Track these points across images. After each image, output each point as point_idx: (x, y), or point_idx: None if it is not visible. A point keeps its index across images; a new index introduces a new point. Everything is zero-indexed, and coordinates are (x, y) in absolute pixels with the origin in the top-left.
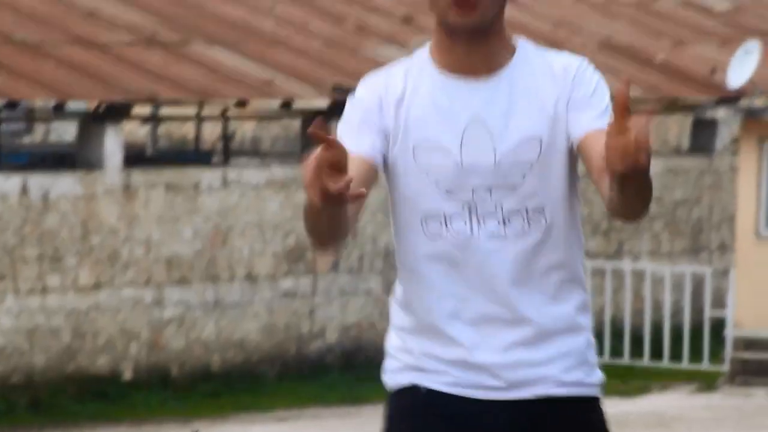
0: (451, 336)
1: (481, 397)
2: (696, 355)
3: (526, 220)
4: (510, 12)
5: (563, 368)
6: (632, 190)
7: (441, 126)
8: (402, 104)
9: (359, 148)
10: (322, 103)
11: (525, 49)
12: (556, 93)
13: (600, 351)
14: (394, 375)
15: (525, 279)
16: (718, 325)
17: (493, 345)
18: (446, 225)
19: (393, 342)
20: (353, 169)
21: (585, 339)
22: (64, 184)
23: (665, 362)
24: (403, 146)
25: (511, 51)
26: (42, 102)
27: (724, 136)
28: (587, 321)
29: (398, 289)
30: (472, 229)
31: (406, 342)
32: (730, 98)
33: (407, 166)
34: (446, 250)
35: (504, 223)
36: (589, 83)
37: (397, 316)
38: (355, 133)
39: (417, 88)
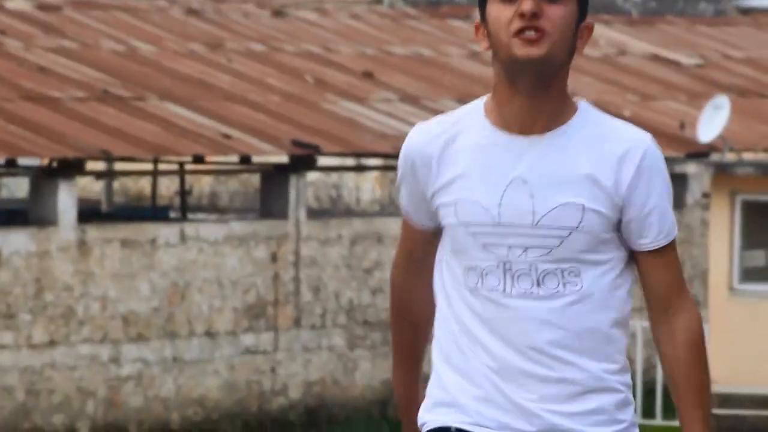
0: (485, 384)
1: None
2: (669, 412)
3: (561, 282)
4: (474, 66)
5: (592, 423)
6: None
7: (483, 183)
8: (446, 163)
9: (413, 219)
10: (281, 158)
11: (586, 112)
12: (614, 175)
13: None
14: (424, 414)
15: (558, 339)
16: None
17: (526, 396)
18: (482, 280)
19: (430, 381)
20: (419, 240)
21: (617, 398)
22: (16, 241)
23: (639, 419)
24: (447, 200)
25: (572, 111)
26: None
27: (694, 190)
28: (622, 381)
29: (438, 331)
30: (505, 286)
31: (442, 378)
32: (700, 153)
33: (450, 219)
34: (481, 304)
35: (538, 283)
36: (651, 188)
37: (434, 357)
38: (407, 203)
39: (465, 141)
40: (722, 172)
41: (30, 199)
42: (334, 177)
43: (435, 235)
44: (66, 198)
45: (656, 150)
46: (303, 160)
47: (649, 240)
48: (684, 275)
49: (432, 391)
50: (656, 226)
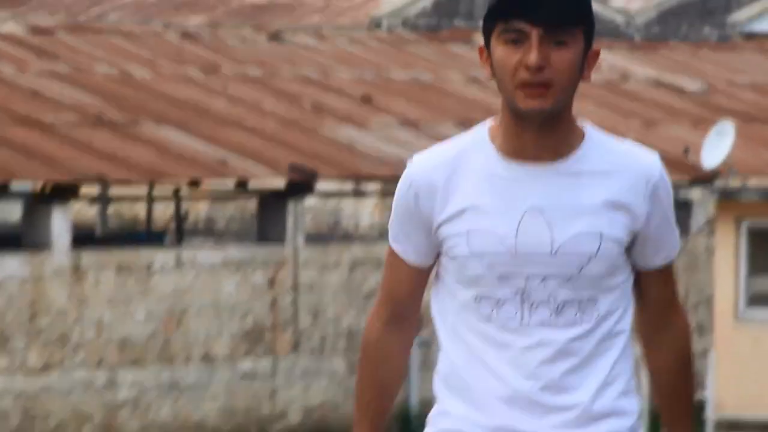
0: (496, 413)
1: None
2: None
3: (579, 311)
4: (475, 91)
5: None
6: None
7: (498, 213)
8: (453, 193)
9: (407, 255)
10: (278, 182)
11: (595, 135)
12: (630, 199)
13: None
14: None
15: (573, 367)
16: (699, 408)
17: (537, 423)
18: (498, 309)
19: (433, 412)
20: (405, 281)
21: (628, 422)
22: (10, 266)
23: None
24: (458, 230)
25: (580, 137)
26: None
27: (699, 217)
28: (633, 405)
29: (442, 362)
30: (522, 316)
31: (447, 408)
32: (704, 179)
33: (461, 250)
34: (497, 333)
35: (556, 312)
36: (663, 209)
37: (438, 388)
38: (401, 237)
39: (472, 170)
40: (727, 198)
41: (23, 223)
42: (332, 202)
43: (425, 275)
44: (60, 223)
45: (663, 168)
46: (301, 185)
47: (660, 258)
48: (682, 294)
49: (436, 420)
50: (668, 244)
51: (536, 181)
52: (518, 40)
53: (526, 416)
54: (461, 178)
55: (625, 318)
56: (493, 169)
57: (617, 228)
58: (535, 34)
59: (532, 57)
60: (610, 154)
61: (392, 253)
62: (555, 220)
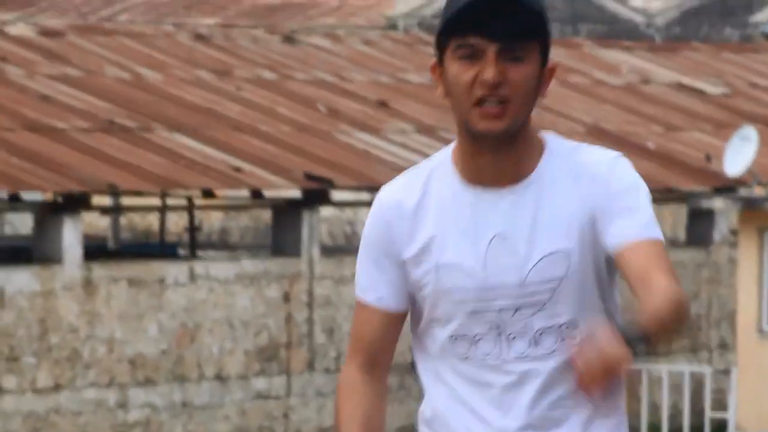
0: None
1: None
2: None
3: (558, 338)
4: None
5: None
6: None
7: (463, 245)
8: (421, 222)
9: (380, 302)
10: (293, 192)
11: (554, 149)
12: (587, 202)
13: None
14: None
15: (558, 399)
16: (720, 428)
17: None
18: (474, 347)
19: None
20: (379, 330)
21: None
22: (20, 280)
23: None
24: (426, 267)
25: (539, 152)
26: None
27: (721, 227)
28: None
29: (425, 405)
30: (500, 351)
31: None
32: (727, 187)
33: (431, 286)
34: (476, 372)
35: (534, 343)
36: (623, 188)
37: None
38: (372, 283)
39: (437, 199)
40: (750, 207)
41: (34, 235)
42: (348, 212)
43: (398, 320)
44: (71, 234)
45: (624, 161)
46: (316, 195)
47: (631, 222)
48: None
49: None
50: (633, 221)
51: (498, 207)
52: (473, 56)
53: None
54: (428, 206)
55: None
56: (455, 197)
57: (586, 245)
58: (491, 49)
59: (489, 73)
60: (569, 165)
61: (362, 306)
62: (520, 247)
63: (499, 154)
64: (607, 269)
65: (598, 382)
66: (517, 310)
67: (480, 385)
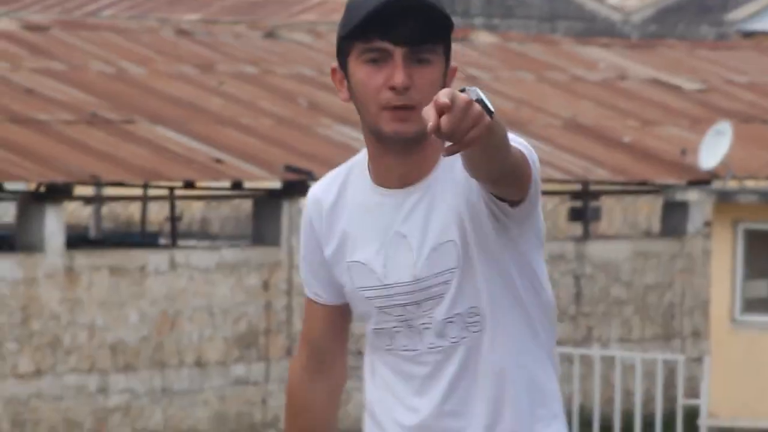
0: None
1: None
2: None
3: (462, 328)
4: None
5: None
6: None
7: (369, 244)
8: (336, 221)
9: (318, 297)
10: (273, 183)
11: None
12: (465, 181)
13: None
14: None
15: (472, 388)
16: (692, 415)
17: None
18: (393, 340)
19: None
20: (321, 323)
21: None
22: (2, 267)
23: None
24: (341, 266)
25: (439, 151)
26: None
27: (696, 218)
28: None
29: (365, 398)
30: (415, 343)
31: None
32: (701, 180)
33: (347, 286)
34: (395, 362)
35: (440, 335)
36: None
37: (365, 425)
38: (309, 276)
39: (349, 202)
40: (724, 200)
41: (17, 224)
42: None
43: (340, 315)
44: (53, 223)
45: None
46: (296, 186)
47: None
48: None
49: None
50: None
51: (400, 206)
52: (379, 59)
53: None
54: (343, 206)
55: (531, 330)
56: (364, 197)
57: (472, 230)
58: (398, 53)
59: (398, 77)
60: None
61: (307, 300)
62: (415, 244)
63: (404, 156)
64: (516, 254)
65: (453, 119)
66: (418, 304)
67: (404, 375)
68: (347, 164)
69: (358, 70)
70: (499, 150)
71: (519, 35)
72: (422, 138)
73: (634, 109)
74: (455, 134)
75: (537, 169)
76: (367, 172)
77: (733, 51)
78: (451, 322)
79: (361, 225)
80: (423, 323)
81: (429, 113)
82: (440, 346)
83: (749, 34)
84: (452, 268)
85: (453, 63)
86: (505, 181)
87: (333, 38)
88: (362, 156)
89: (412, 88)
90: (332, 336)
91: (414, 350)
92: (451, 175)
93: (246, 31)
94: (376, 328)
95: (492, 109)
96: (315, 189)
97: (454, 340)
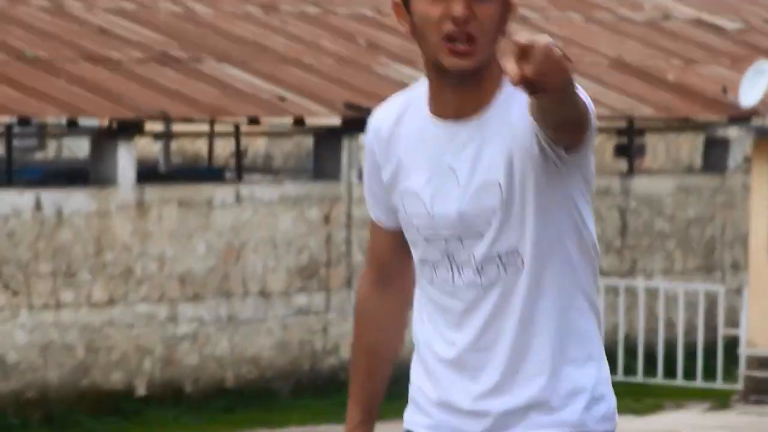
0: (437, 376)
1: None
2: (710, 373)
3: (500, 267)
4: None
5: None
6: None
7: (420, 174)
8: (393, 148)
9: (378, 219)
10: (334, 120)
11: (510, 85)
12: (521, 122)
13: (613, 369)
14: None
15: (506, 327)
16: (732, 344)
17: (473, 391)
18: (435, 272)
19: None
20: (384, 244)
21: (576, 384)
22: (77, 200)
23: (679, 380)
24: (396, 192)
25: (499, 87)
26: (54, 119)
27: (736, 155)
28: (583, 374)
29: (414, 324)
30: (453, 277)
31: (414, 369)
32: (741, 117)
33: (400, 212)
34: (437, 295)
35: (479, 271)
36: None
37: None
38: (371, 201)
39: (406, 130)
40: (764, 136)
41: (90, 159)
42: None
43: (402, 237)
44: (125, 158)
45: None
46: (356, 123)
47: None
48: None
49: (411, 385)
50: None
51: (452, 140)
52: None
53: (467, 383)
54: (400, 134)
55: (574, 275)
56: (421, 127)
57: (515, 171)
58: None
59: (458, 9)
60: (519, 100)
61: (372, 223)
62: (462, 179)
63: (462, 89)
64: (563, 199)
65: (535, 63)
66: (460, 239)
67: (443, 309)
68: (408, 92)
69: (419, 3)
70: (569, 96)
71: None
72: (480, 73)
73: (678, 48)
74: (538, 80)
75: (594, 117)
76: (425, 101)
77: None
78: (490, 260)
79: (415, 153)
80: (463, 259)
81: (508, 65)
82: (479, 283)
83: None
84: (495, 208)
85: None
86: (567, 128)
87: None
88: (422, 86)
89: (472, 20)
90: (396, 256)
91: (453, 284)
92: (507, 116)
93: None
94: (421, 259)
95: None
96: (375, 116)
97: (491, 278)
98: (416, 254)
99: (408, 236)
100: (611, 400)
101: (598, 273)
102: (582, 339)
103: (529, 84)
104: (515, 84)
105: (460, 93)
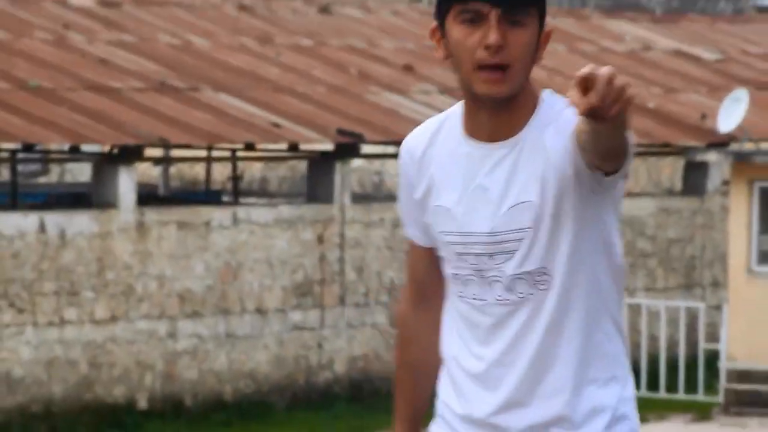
0: (464, 391)
1: None
2: (691, 386)
3: (530, 285)
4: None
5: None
6: (603, 128)
7: (452, 191)
8: (425, 168)
9: (415, 238)
10: (327, 145)
11: (547, 106)
12: (559, 157)
13: None
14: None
15: (531, 344)
16: (712, 358)
17: (491, 403)
18: (465, 287)
19: None
20: (421, 263)
21: (605, 399)
22: (80, 222)
23: (661, 393)
24: (429, 209)
25: (532, 110)
26: (57, 145)
27: (715, 178)
28: (605, 393)
29: (443, 335)
30: (484, 293)
31: (441, 384)
32: (720, 143)
33: (433, 228)
34: (467, 310)
35: (509, 289)
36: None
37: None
38: (407, 219)
39: (439, 150)
40: (741, 160)
41: (92, 183)
42: (376, 164)
43: (436, 256)
44: (126, 182)
45: (566, 103)
46: (347, 148)
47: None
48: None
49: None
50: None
51: (486, 160)
52: (475, 20)
53: (490, 396)
54: (433, 154)
55: (601, 299)
56: (455, 147)
57: (547, 193)
58: (493, 14)
59: (492, 37)
60: (554, 123)
61: (409, 241)
62: (495, 197)
63: (495, 113)
64: (597, 224)
65: (598, 92)
66: (491, 256)
67: (472, 324)
68: (443, 114)
69: (455, 29)
70: (624, 123)
71: (552, 9)
72: (513, 99)
73: (658, 77)
74: (602, 108)
75: (633, 143)
76: (460, 122)
77: (749, 24)
78: (520, 278)
79: (448, 172)
80: (493, 275)
81: (573, 95)
82: (507, 300)
83: (763, 9)
84: (527, 227)
85: (548, 27)
86: (615, 153)
87: (381, 13)
88: (458, 107)
89: (506, 48)
90: (433, 273)
91: (482, 300)
92: (541, 139)
93: (302, 6)
94: (453, 273)
95: None
96: (409, 138)
97: (521, 295)
98: (448, 269)
99: (441, 251)
100: (634, 420)
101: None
102: (606, 360)
103: (594, 113)
104: (582, 113)
105: (495, 116)
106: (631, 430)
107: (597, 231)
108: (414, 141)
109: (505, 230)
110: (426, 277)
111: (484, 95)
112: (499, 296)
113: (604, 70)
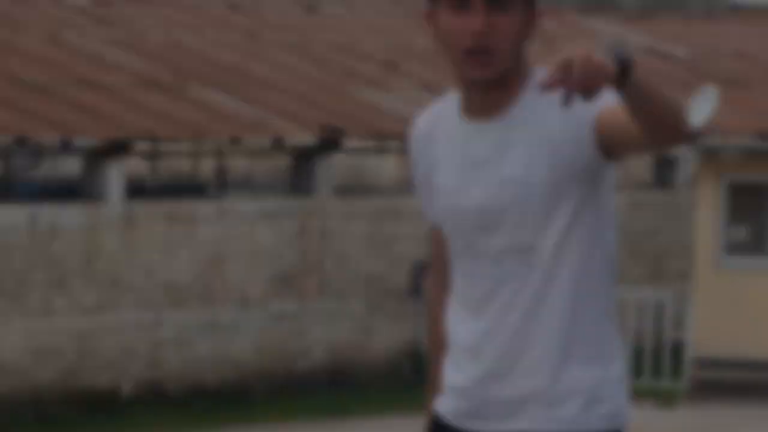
0: (458, 363)
1: (478, 429)
2: (657, 373)
3: (518, 261)
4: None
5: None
6: (633, 106)
7: (450, 169)
8: (429, 148)
9: (428, 213)
10: (310, 140)
11: (534, 83)
12: (552, 131)
13: None
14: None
15: (516, 319)
16: (678, 347)
17: (473, 374)
18: (459, 262)
19: None
20: (440, 245)
21: (600, 375)
22: (69, 215)
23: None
24: (431, 188)
25: (524, 87)
26: (49, 139)
27: (684, 171)
28: (585, 374)
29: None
30: (473, 268)
31: (447, 361)
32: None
33: (435, 205)
34: (462, 281)
35: (496, 264)
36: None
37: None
38: (423, 201)
39: (441, 130)
40: (709, 155)
41: (82, 176)
42: (357, 158)
43: None
44: (115, 176)
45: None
46: (330, 143)
47: (603, 100)
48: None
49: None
50: (607, 96)
51: (481, 138)
52: (462, 5)
53: (485, 374)
54: (436, 135)
55: (591, 278)
56: (452, 126)
57: (537, 169)
58: (478, 0)
59: (477, 23)
60: (545, 98)
61: (431, 224)
62: (486, 174)
63: (485, 92)
64: (589, 198)
65: (575, 76)
66: (481, 230)
67: (465, 297)
68: (447, 97)
69: (443, 15)
70: (645, 91)
71: None
72: (502, 78)
73: None
74: (585, 87)
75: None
76: (457, 104)
77: (720, 24)
78: (507, 253)
79: (446, 151)
80: (483, 250)
81: (554, 83)
82: (494, 274)
83: (734, 9)
84: (517, 203)
85: (538, 9)
86: (669, 124)
87: (365, 12)
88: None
89: (491, 33)
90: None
91: (472, 274)
92: (537, 116)
93: (288, 5)
94: (453, 250)
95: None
96: (416, 121)
97: (507, 271)
98: (451, 245)
99: (444, 227)
100: (616, 401)
101: (615, 281)
102: (591, 342)
103: (580, 93)
104: (566, 103)
105: (485, 95)
106: (610, 412)
107: (594, 216)
108: (419, 125)
109: (494, 205)
110: (447, 260)
111: (474, 77)
112: (487, 271)
113: (578, 52)
